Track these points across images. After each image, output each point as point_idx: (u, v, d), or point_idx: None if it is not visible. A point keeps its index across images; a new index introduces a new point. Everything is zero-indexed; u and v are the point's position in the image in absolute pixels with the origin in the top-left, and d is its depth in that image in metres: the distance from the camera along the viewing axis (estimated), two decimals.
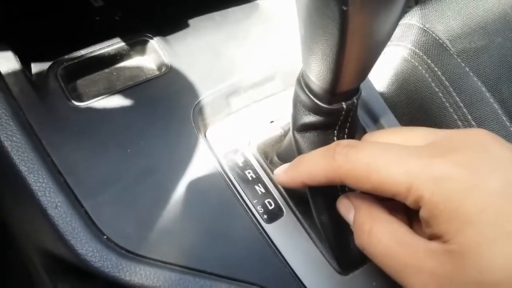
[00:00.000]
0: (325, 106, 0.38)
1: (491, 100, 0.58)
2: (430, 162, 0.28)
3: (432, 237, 0.29)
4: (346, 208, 0.37)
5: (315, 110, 0.39)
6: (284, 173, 0.38)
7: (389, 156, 0.30)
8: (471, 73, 0.60)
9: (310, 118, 0.39)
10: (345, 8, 0.29)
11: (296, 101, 0.40)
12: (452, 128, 0.57)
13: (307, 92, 0.39)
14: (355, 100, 0.39)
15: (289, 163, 0.39)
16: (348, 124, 0.40)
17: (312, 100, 0.38)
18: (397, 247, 0.30)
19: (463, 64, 0.61)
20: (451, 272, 0.27)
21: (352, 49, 0.32)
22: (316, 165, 0.34)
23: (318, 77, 0.36)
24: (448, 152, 0.29)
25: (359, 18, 0.30)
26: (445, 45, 0.62)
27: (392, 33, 0.35)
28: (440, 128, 0.36)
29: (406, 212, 0.35)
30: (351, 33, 0.31)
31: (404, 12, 0.35)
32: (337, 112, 0.39)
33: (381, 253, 0.31)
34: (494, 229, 0.26)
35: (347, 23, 0.30)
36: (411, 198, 0.29)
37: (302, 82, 0.39)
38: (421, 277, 0.29)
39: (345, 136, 0.41)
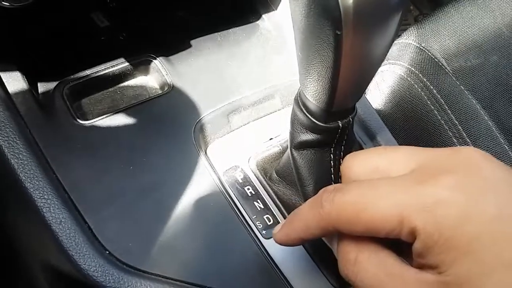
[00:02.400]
0: (321, 124, 0.39)
1: (486, 117, 0.60)
2: (419, 189, 0.27)
3: (424, 267, 0.28)
4: (329, 235, 0.35)
5: (312, 128, 0.40)
6: (280, 232, 0.36)
7: (375, 192, 0.29)
8: (466, 91, 0.62)
9: (307, 136, 0.41)
10: (338, 33, 0.30)
11: (294, 120, 0.42)
12: (448, 145, 0.59)
13: (304, 111, 0.40)
14: (350, 119, 0.40)
15: (283, 222, 0.37)
16: (344, 141, 0.42)
17: (309, 118, 0.40)
18: (386, 278, 0.28)
19: (458, 82, 0.62)
20: None
21: (347, 71, 0.34)
22: (307, 217, 0.33)
23: (314, 96, 0.38)
24: (437, 175, 0.27)
25: (352, 42, 0.31)
26: (440, 64, 0.64)
27: (386, 55, 0.36)
28: (435, 145, 0.35)
29: (393, 240, 0.33)
30: (345, 55, 0.32)
31: (397, 35, 0.36)
32: (333, 130, 0.40)
33: (369, 284, 0.29)
34: (491, 259, 0.25)
35: (341, 47, 0.31)
36: (405, 231, 0.27)
37: (300, 101, 0.40)
38: None
39: (342, 153, 0.42)
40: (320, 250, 0.46)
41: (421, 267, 0.28)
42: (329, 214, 0.31)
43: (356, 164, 0.34)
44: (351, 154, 0.34)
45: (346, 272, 0.31)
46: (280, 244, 0.36)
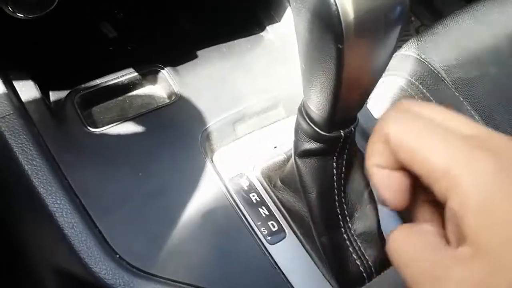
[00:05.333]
0: (324, 133, 0.41)
1: None
2: (477, 154, 0.26)
3: (460, 240, 0.26)
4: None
5: (315, 137, 0.41)
6: None
7: (436, 133, 0.27)
8: (465, 102, 0.63)
9: (310, 145, 0.42)
10: (340, 46, 0.32)
11: (298, 129, 0.43)
12: None
13: (308, 121, 0.41)
14: (352, 128, 0.42)
15: None
16: (346, 150, 0.43)
17: (313, 128, 0.41)
18: (422, 252, 0.27)
19: (457, 93, 0.64)
20: (480, 278, 0.24)
21: (348, 82, 0.35)
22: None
23: (317, 107, 0.39)
24: (497, 151, 0.26)
25: (353, 55, 0.33)
26: (440, 75, 0.66)
27: (386, 67, 0.38)
28: None
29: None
30: (347, 68, 0.34)
31: (396, 47, 0.37)
32: (335, 139, 0.41)
33: (402, 256, 0.27)
34: None
35: (342, 60, 0.33)
36: (443, 184, 0.26)
37: (303, 111, 0.42)
38: (446, 286, 0.25)
39: (344, 162, 0.44)
40: (324, 255, 0.47)
41: (458, 240, 0.26)
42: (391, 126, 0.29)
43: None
44: (414, 103, 0.31)
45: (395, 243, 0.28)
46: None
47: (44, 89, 0.54)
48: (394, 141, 0.29)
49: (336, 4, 0.30)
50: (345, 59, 0.33)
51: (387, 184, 0.30)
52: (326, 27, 0.31)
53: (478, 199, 0.25)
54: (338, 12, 0.30)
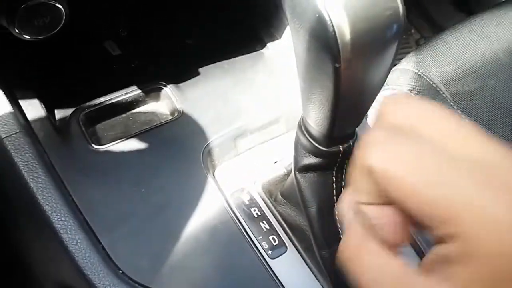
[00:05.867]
0: (323, 149, 0.41)
1: None
2: (487, 195, 0.22)
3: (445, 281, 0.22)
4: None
5: (315, 152, 0.42)
6: None
7: (433, 163, 0.22)
8: (463, 115, 0.64)
9: (310, 160, 0.43)
10: (337, 66, 0.33)
11: (297, 144, 0.44)
12: None
13: (307, 136, 0.42)
14: (351, 143, 0.42)
15: None
16: (345, 165, 0.44)
17: (312, 143, 0.42)
18: (391, 284, 0.24)
19: (455, 107, 0.64)
20: None
21: (346, 100, 0.36)
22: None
23: (316, 123, 0.40)
24: (509, 186, 0.22)
25: (350, 73, 0.34)
26: (438, 89, 0.66)
27: (383, 83, 0.39)
28: None
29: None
30: (344, 86, 0.35)
31: (393, 64, 0.38)
32: (334, 154, 0.42)
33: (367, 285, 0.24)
34: None
35: (339, 78, 0.34)
36: (446, 230, 0.22)
37: (303, 127, 0.43)
38: None
39: (343, 176, 0.44)
40: (325, 269, 0.47)
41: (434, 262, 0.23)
42: (369, 160, 0.24)
43: (407, 112, 0.25)
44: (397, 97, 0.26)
45: (347, 261, 0.25)
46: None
47: (49, 108, 0.55)
48: (379, 175, 0.23)
49: (332, 25, 0.31)
50: (342, 78, 0.34)
51: (386, 221, 0.25)
52: (323, 48, 0.32)
53: (490, 253, 0.21)
54: (335, 33, 0.31)
